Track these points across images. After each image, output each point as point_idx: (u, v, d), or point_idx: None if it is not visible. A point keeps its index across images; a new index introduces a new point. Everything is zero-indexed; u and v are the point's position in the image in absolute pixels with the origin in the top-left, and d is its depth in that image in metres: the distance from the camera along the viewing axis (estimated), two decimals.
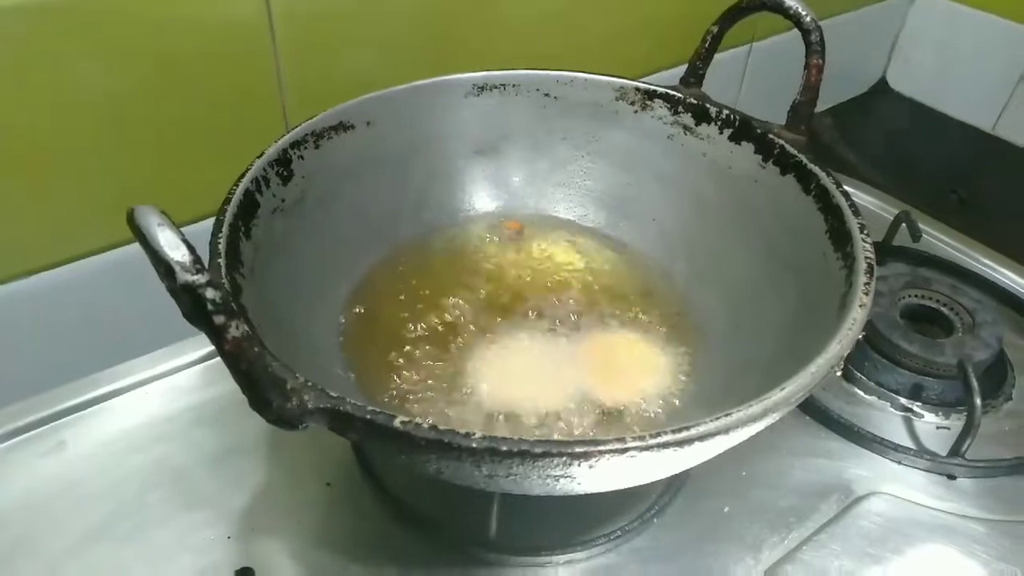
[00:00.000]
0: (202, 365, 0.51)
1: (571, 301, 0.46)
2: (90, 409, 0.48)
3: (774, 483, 0.45)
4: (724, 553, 0.42)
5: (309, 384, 0.27)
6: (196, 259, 0.24)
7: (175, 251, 0.24)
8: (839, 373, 0.52)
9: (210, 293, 0.24)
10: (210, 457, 0.45)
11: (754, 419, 0.27)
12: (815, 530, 0.43)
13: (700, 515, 0.43)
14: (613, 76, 0.48)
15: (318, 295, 0.43)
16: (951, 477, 0.46)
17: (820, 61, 0.42)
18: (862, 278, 0.33)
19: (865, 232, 0.36)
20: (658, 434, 0.26)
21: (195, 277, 0.23)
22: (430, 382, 0.41)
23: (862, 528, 0.43)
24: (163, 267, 0.24)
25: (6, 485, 0.43)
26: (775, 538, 0.42)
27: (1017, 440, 0.48)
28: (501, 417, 0.39)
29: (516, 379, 0.41)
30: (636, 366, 0.42)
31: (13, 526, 0.41)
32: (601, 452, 0.26)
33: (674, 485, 0.44)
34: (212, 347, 0.51)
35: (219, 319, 0.24)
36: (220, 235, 0.34)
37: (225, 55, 0.47)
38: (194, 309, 0.24)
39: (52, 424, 0.47)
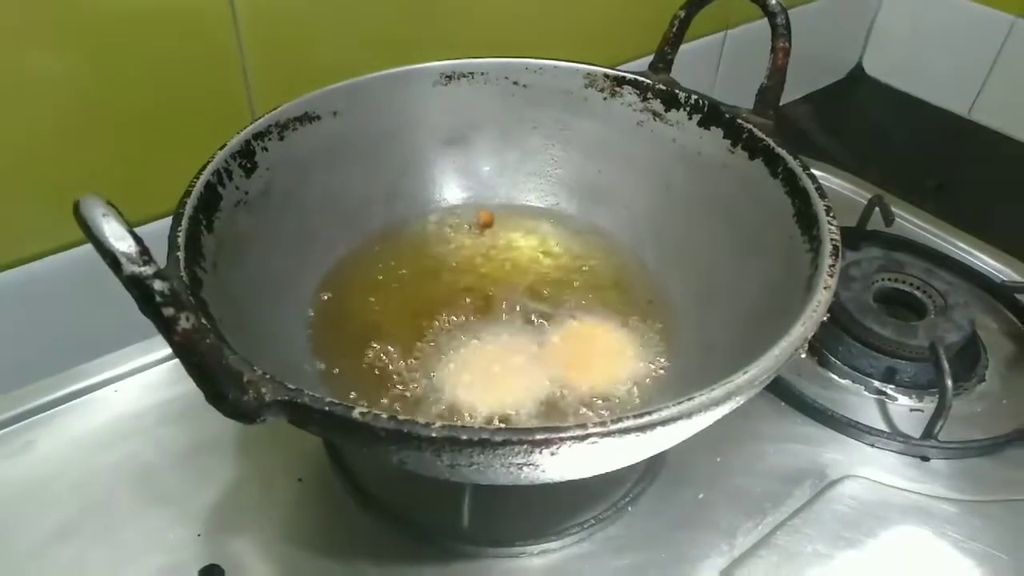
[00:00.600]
0: (171, 362, 0.50)
1: (544, 290, 0.45)
2: (58, 408, 0.47)
3: (749, 469, 0.45)
4: (699, 540, 0.41)
5: (267, 376, 0.27)
6: (143, 250, 0.23)
7: (120, 242, 0.23)
8: (804, 355, 0.52)
9: (158, 285, 0.23)
10: (179, 454, 0.44)
11: (717, 403, 0.27)
12: (789, 515, 0.43)
13: (675, 503, 0.43)
14: (582, 63, 0.48)
15: (286, 289, 0.42)
16: (924, 459, 0.46)
17: (786, 44, 0.42)
18: (827, 260, 0.33)
19: (831, 215, 0.36)
20: (619, 419, 0.26)
21: (142, 269, 0.23)
22: (401, 376, 0.40)
23: (836, 512, 0.43)
24: (109, 258, 0.23)
25: None
26: (750, 524, 0.42)
27: (989, 421, 0.48)
28: (472, 410, 0.39)
29: (489, 371, 0.41)
30: (610, 354, 0.42)
31: None
32: (562, 439, 0.25)
33: (648, 473, 0.44)
34: None
35: (168, 311, 0.24)
36: (179, 228, 0.34)
37: (186, 44, 0.46)
38: (142, 302, 0.24)
39: (20, 424, 0.46)
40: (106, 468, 0.44)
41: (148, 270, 0.23)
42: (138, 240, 0.23)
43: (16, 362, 0.49)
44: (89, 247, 0.49)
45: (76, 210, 0.24)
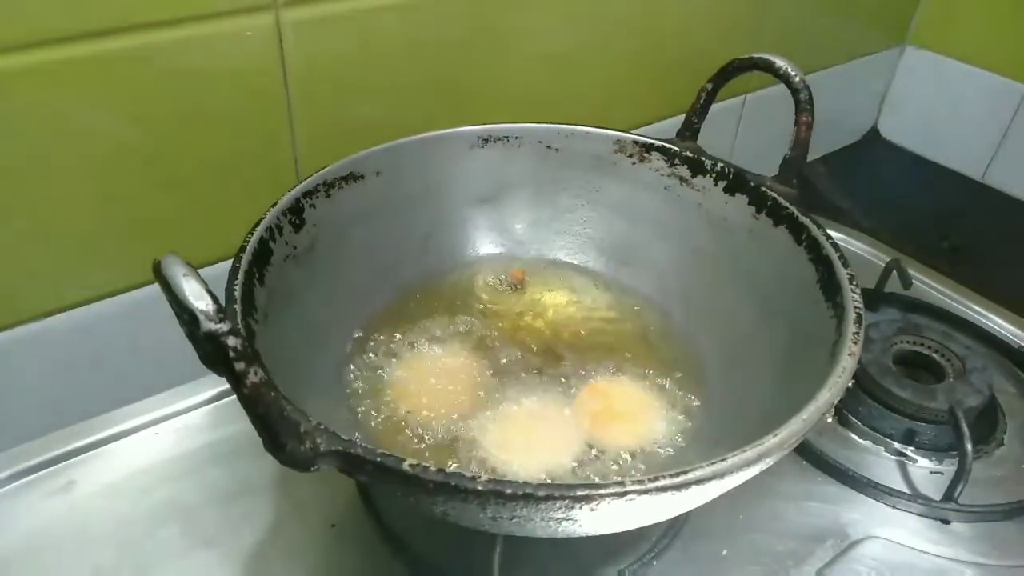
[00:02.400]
0: (209, 407, 0.52)
1: (573, 346, 0.47)
2: (99, 449, 0.49)
3: (771, 527, 0.46)
4: None
5: (321, 427, 0.28)
6: (219, 308, 0.25)
7: (199, 300, 0.25)
8: (831, 419, 0.53)
9: (232, 341, 0.25)
10: (218, 498, 0.46)
11: (749, 464, 0.28)
12: (812, 574, 0.43)
13: (698, 558, 0.44)
14: (612, 130, 0.50)
15: (327, 338, 0.44)
16: (945, 522, 0.47)
17: (809, 119, 0.44)
18: (851, 327, 0.35)
19: (854, 283, 0.37)
20: (656, 478, 0.27)
21: (218, 326, 0.25)
22: (435, 428, 0.42)
23: (858, 572, 0.44)
24: (187, 315, 0.25)
25: (16, 524, 0.44)
26: None
27: (1009, 485, 0.49)
28: (505, 467, 0.40)
29: (520, 428, 0.42)
30: (639, 411, 0.43)
31: (22, 565, 0.42)
32: (602, 495, 0.27)
33: (673, 528, 0.44)
34: (219, 389, 0.53)
35: (239, 365, 0.25)
36: (236, 282, 0.35)
37: (240, 105, 0.49)
38: (215, 355, 0.25)
39: (62, 464, 0.48)
40: (146, 510, 0.45)
41: (224, 327, 0.25)
42: (214, 298, 0.25)
43: (59, 403, 0.51)
44: (136, 293, 0.51)
45: (156, 269, 0.26)
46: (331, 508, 0.45)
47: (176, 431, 0.50)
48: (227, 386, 0.52)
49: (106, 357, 0.51)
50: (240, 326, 0.33)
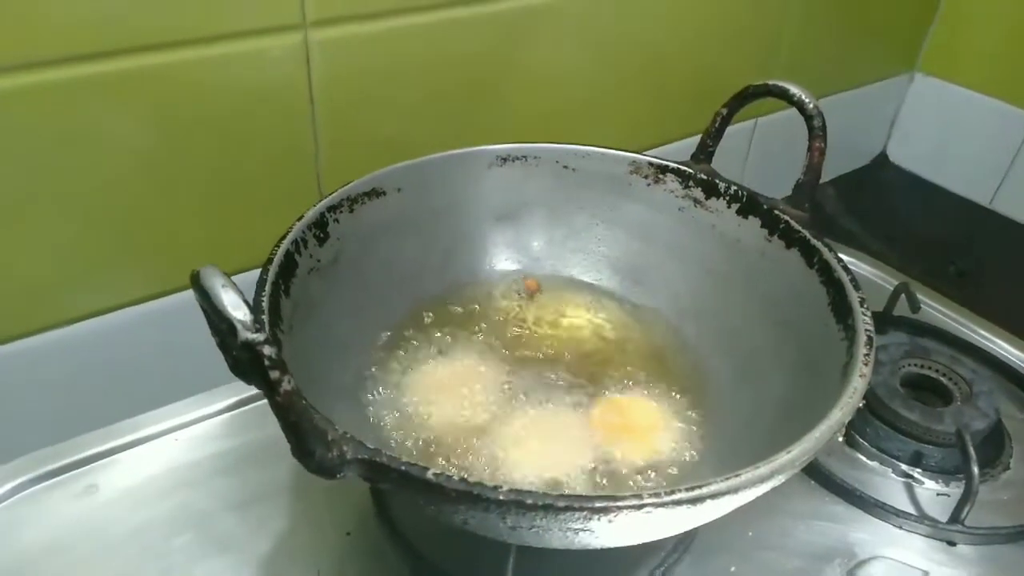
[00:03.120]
0: (228, 414, 0.53)
1: (586, 362, 0.48)
2: (119, 455, 0.50)
3: (779, 545, 0.47)
4: None
5: (348, 435, 0.29)
6: (256, 318, 0.26)
7: (237, 311, 0.26)
8: (841, 438, 0.54)
9: (267, 350, 0.26)
10: (234, 504, 0.46)
11: (762, 480, 0.29)
12: None
13: (707, 574, 0.45)
14: (627, 151, 0.51)
15: (347, 348, 0.45)
16: (951, 543, 0.47)
17: (822, 144, 0.45)
18: (862, 349, 0.35)
19: (865, 306, 0.38)
20: (672, 492, 0.28)
21: (255, 335, 0.26)
22: (450, 437, 0.43)
23: None
24: (226, 325, 0.26)
25: (36, 527, 0.45)
26: None
27: (1015, 508, 0.50)
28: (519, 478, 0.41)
29: (533, 441, 0.43)
30: (650, 427, 0.44)
31: (41, 569, 0.43)
32: (620, 507, 0.28)
33: (682, 544, 0.45)
34: (236, 399, 0.53)
35: (274, 374, 0.26)
36: (263, 293, 0.36)
37: (267, 121, 0.50)
38: (250, 364, 0.26)
39: (81, 469, 0.49)
40: (163, 515, 0.46)
41: (260, 336, 0.26)
42: (251, 309, 0.26)
43: (80, 409, 0.52)
44: (159, 302, 0.52)
45: (195, 279, 0.27)
46: (346, 516, 0.46)
47: (194, 438, 0.51)
48: (243, 396, 0.53)
49: (128, 364, 0.53)
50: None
